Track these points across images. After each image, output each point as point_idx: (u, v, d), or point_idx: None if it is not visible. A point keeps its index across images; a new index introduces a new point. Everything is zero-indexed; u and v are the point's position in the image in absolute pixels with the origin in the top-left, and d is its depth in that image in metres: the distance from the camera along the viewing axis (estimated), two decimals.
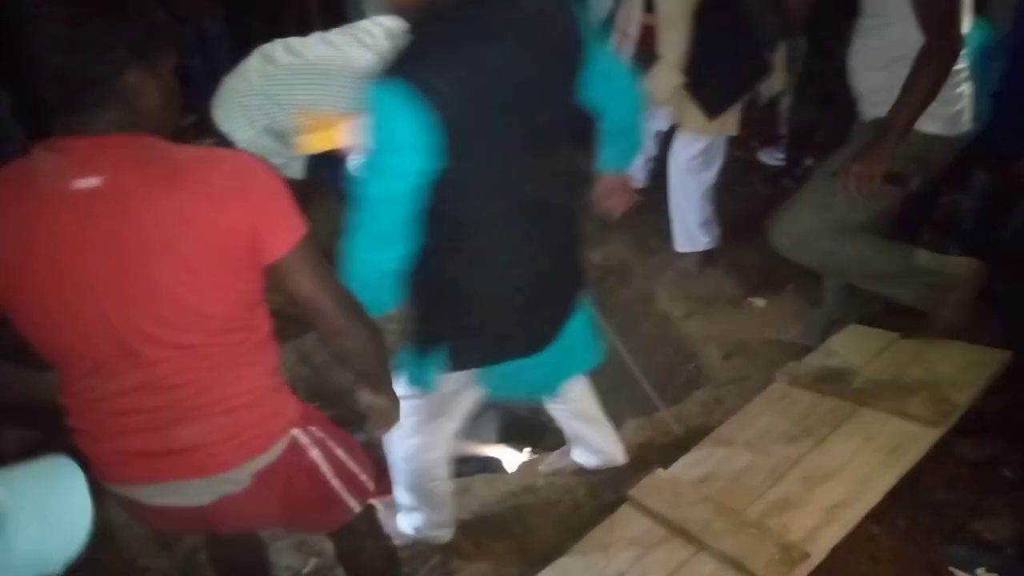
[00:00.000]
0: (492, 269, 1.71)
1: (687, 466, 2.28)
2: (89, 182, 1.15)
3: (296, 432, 1.46)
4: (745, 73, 2.90)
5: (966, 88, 2.23)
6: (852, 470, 2.13)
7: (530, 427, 3.03)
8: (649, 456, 2.46)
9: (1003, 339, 2.63)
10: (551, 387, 2.09)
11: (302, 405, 1.51)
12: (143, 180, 1.17)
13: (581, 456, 2.45)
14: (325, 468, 1.52)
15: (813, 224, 2.37)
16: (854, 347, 2.65)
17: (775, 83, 3.06)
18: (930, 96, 2.06)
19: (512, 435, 2.87)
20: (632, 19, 3.05)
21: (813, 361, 2.61)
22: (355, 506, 1.61)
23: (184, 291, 1.22)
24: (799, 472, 2.16)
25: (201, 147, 1.24)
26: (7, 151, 3.34)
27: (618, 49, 3.21)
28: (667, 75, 2.89)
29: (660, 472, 2.25)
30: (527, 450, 2.73)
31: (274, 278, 1.29)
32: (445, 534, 2.24)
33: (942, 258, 2.49)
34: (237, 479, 1.40)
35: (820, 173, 2.44)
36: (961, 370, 2.40)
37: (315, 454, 1.50)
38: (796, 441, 2.27)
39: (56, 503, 0.91)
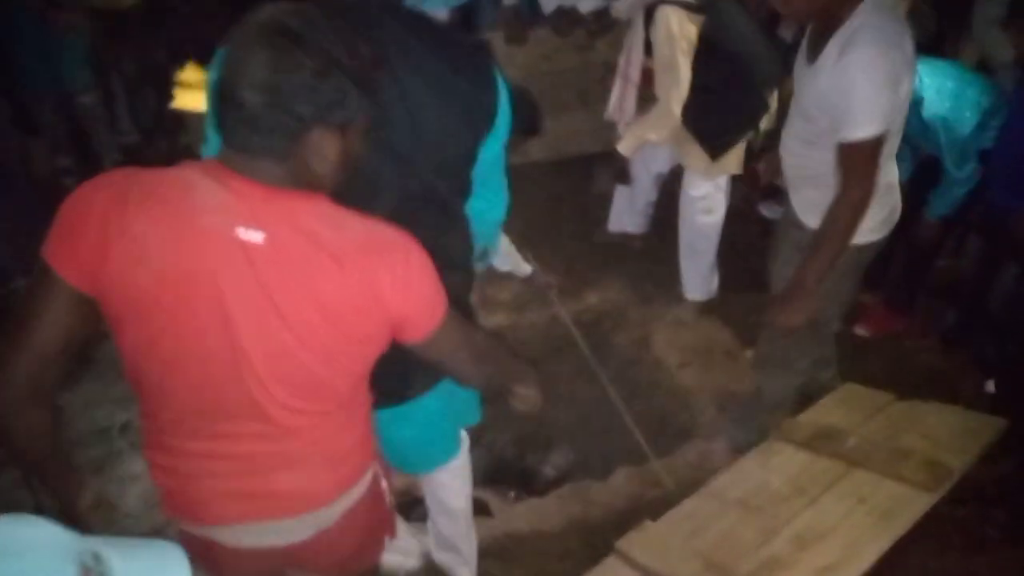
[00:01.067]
0: None
1: (677, 519, 2.23)
2: (253, 236, 1.10)
3: (375, 463, 1.47)
4: (744, 112, 2.92)
5: (896, 195, 2.21)
6: (844, 532, 2.08)
7: (518, 471, 2.98)
8: (639, 507, 2.42)
9: (996, 405, 2.62)
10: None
11: None
12: (304, 254, 1.12)
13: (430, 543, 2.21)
14: (388, 497, 1.53)
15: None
16: (849, 407, 2.62)
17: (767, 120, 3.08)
18: (843, 247, 2.03)
19: (498, 478, 2.82)
20: (634, 63, 3.09)
21: (808, 419, 2.58)
22: (388, 540, 1.60)
23: (320, 366, 1.20)
24: (790, 531, 2.11)
25: (363, 221, 1.18)
26: (4, 158, 3.35)
27: (622, 94, 3.23)
28: (664, 116, 2.91)
29: (649, 524, 2.19)
30: (512, 494, 2.68)
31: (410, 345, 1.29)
32: (410, 561, 2.21)
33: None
34: (331, 515, 1.38)
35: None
36: (957, 435, 2.37)
37: (384, 484, 1.51)
38: (788, 499, 2.23)
39: None
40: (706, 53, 2.75)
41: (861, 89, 1.86)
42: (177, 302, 1.11)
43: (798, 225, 2.25)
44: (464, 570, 2.18)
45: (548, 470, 3.02)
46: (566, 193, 4.00)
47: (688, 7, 2.75)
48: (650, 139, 3.02)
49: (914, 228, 3.01)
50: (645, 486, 2.55)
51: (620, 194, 3.53)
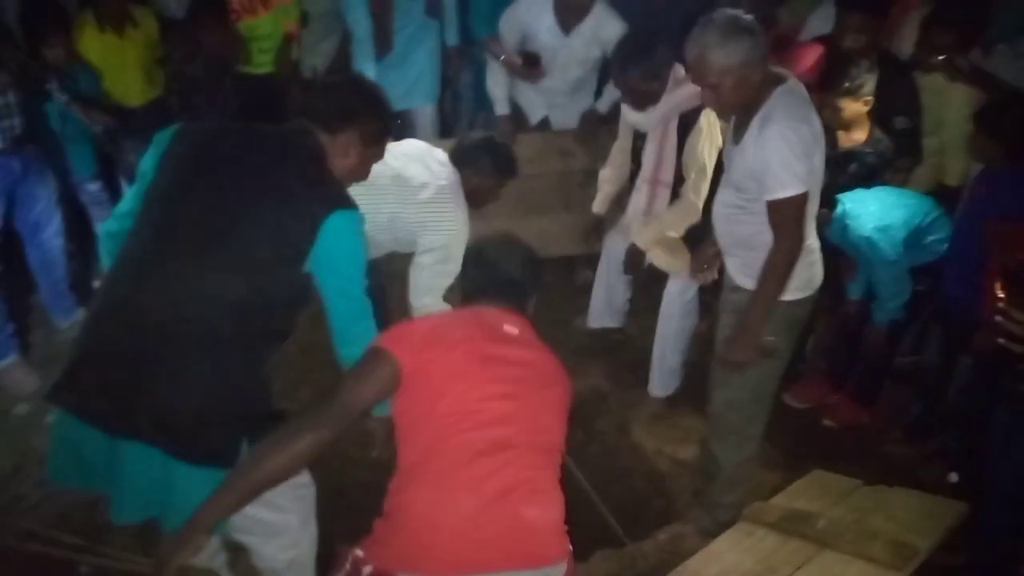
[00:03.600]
0: (113, 283, 1.82)
1: None
2: (512, 330, 1.82)
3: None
4: None
5: (814, 257, 2.45)
6: None
7: None
8: None
9: (959, 496, 2.71)
10: (119, 505, 1.80)
11: None
12: (535, 339, 1.87)
13: None
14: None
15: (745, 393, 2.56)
16: (818, 492, 2.73)
17: None
18: (780, 291, 2.31)
19: None
20: (666, 166, 3.18)
21: (778, 503, 2.68)
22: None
23: (553, 416, 1.78)
24: None
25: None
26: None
27: (651, 197, 3.27)
28: (689, 214, 3.09)
29: None
30: None
31: None
32: None
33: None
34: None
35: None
36: (922, 518, 2.49)
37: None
38: None
39: None
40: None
41: (780, 155, 2.17)
42: (479, 374, 1.70)
43: (734, 288, 2.50)
44: None
45: None
46: (549, 286, 4.15)
47: None
48: (669, 235, 3.16)
49: (865, 333, 3.19)
50: (621, 567, 2.60)
51: (597, 293, 3.67)
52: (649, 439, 3.22)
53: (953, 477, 2.98)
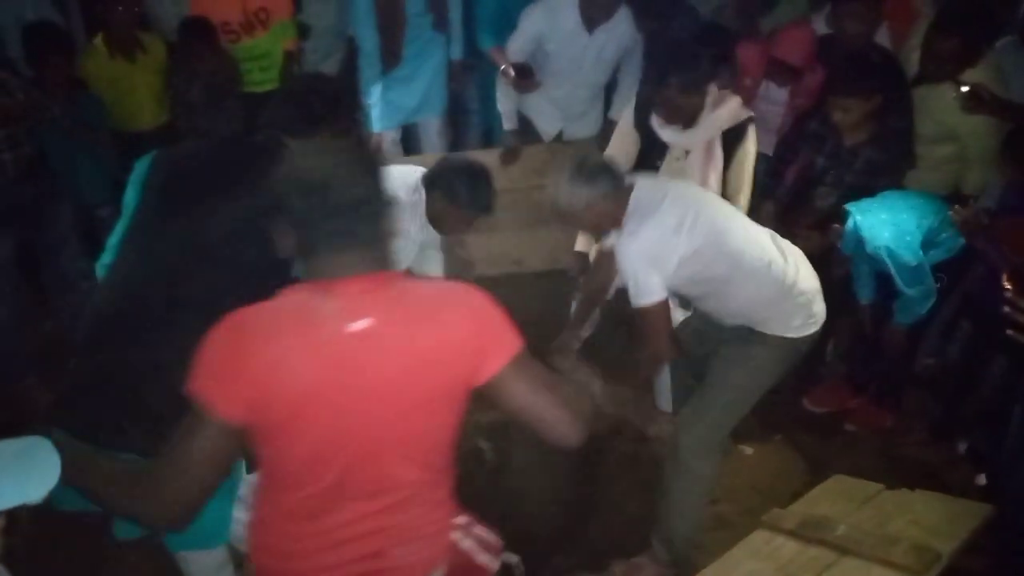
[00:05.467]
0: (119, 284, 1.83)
1: None
2: (361, 324, 1.28)
3: (454, 535, 1.55)
4: None
5: (806, 298, 2.44)
6: None
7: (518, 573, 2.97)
8: None
9: (986, 499, 2.64)
10: (121, 520, 1.79)
11: None
12: (402, 321, 1.31)
13: None
14: (475, 551, 1.60)
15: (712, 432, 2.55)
16: (838, 497, 2.66)
17: None
18: (649, 380, 2.57)
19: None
20: (712, 182, 3.00)
21: (798, 509, 2.62)
22: (493, 564, 1.66)
23: (433, 426, 1.38)
24: None
25: (431, 283, 1.45)
26: None
27: None
28: None
29: None
30: (517, 559, 2.64)
31: (489, 395, 1.40)
32: None
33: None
34: None
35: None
36: (945, 521, 2.42)
37: (467, 544, 1.59)
38: None
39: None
40: None
41: (627, 270, 2.31)
42: (319, 407, 1.28)
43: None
44: None
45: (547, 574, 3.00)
46: (561, 299, 4.12)
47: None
48: None
49: (884, 335, 3.12)
50: None
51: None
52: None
53: (981, 479, 2.92)
